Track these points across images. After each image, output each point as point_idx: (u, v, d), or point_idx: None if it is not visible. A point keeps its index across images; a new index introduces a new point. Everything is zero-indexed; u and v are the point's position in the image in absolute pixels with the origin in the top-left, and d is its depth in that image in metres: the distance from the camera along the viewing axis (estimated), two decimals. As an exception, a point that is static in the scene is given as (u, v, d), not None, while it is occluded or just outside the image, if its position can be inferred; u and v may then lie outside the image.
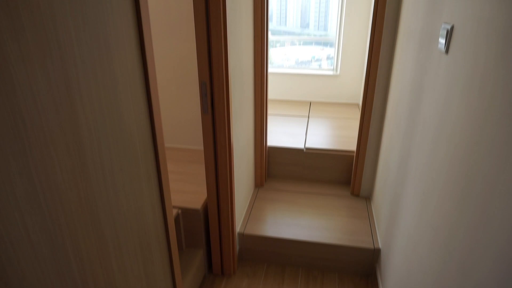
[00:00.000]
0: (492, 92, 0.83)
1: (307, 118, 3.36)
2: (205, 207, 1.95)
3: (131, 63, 0.81)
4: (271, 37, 4.07)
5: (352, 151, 2.64)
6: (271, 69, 4.01)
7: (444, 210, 1.09)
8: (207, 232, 2.02)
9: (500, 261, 0.74)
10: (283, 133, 2.96)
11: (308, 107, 3.75)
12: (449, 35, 1.13)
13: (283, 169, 2.79)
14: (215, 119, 1.65)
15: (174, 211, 1.87)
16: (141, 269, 0.96)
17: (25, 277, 0.55)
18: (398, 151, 1.77)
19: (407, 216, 1.52)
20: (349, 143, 2.77)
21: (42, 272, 0.59)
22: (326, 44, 3.93)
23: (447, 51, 1.15)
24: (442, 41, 1.17)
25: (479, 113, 0.89)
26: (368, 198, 2.54)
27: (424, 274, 1.23)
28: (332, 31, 3.87)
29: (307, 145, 2.71)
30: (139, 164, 0.89)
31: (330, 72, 3.89)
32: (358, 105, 3.82)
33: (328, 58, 3.98)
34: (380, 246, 2.04)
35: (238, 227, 2.18)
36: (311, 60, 4.03)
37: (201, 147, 2.57)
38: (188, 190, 2.04)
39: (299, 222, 2.25)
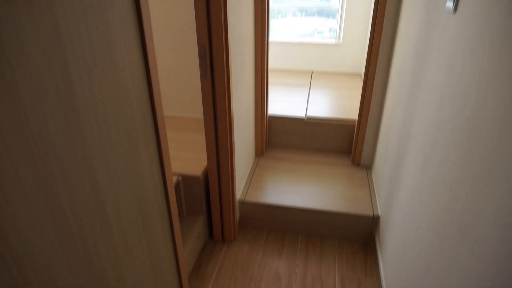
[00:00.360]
0: (501, 52, 0.80)
1: (308, 88, 3.31)
2: (206, 174, 1.95)
3: (126, 19, 0.78)
4: (272, 5, 3.95)
5: (354, 120, 2.62)
6: (272, 38, 3.92)
7: (446, 173, 1.08)
8: (207, 199, 2.03)
9: (500, 220, 0.74)
10: (284, 102, 2.92)
11: (310, 76, 3.69)
12: (458, -8, 1.08)
13: (284, 138, 2.78)
14: (215, 84, 1.62)
15: (174, 178, 1.87)
16: (142, 234, 0.96)
17: (20, 230, 0.55)
18: (401, 117, 1.75)
19: (407, 182, 1.52)
20: (351, 112, 2.74)
21: (38, 224, 0.58)
22: (328, 15, 3.82)
23: (455, 9, 1.10)
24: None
25: (487, 73, 0.86)
26: (368, 167, 2.54)
27: (423, 237, 1.23)
28: (335, 0, 3.76)
29: (308, 114, 2.69)
30: (137, 126, 0.87)
31: (333, 41, 3.80)
32: (360, 74, 3.76)
33: (330, 30, 3.87)
34: (379, 213, 2.05)
35: (238, 195, 2.19)
36: (313, 33, 3.93)
37: (201, 116, 2.54)
38: (188, 157, 2.03)
39: (300, 190, 2.26)
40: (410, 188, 1.46)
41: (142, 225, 0.96)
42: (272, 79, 3.58)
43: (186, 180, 1.91)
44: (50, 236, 0.61)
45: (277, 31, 4.02)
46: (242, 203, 2.17)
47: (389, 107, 2.09)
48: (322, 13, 3.85)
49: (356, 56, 3.78)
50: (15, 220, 0.53)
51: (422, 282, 1.20)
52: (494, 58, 0.84)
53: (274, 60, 3.96)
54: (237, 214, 2.18)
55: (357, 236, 2.15)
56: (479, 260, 0.82)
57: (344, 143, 2.70)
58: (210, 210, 2.09)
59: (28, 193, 0.55)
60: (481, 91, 0.89)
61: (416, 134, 1.45)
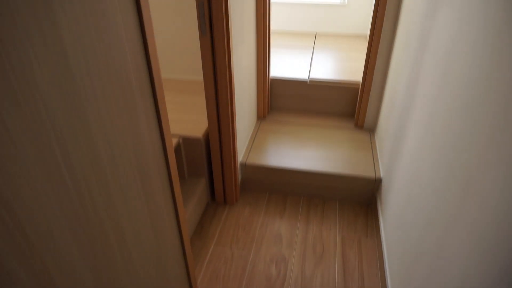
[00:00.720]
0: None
1: (312, 50, 3.22)
2: (207, 136, 1.93)
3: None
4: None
5: (358, 83, 2.56)
6: (274, -2, 3.77)
7: (451, 130, 1.05)
8: (209, 161, 2.02)
9: (507, 176, 0.71)
10: (287, 65, 2.85)
11: (314, 38, 3.58)
12: None
13: (286, 101, 2.73)
14: (214, 41, 1.57)
15: (175, 140, 1.85)
16: (141, 192, 0.95)
17: (11, 177, 0.53)
18: (406, 78, 1.70)
19: (411, 143, 1.49)
20: (355, 75, 2.68)
21: (28, 172, 0.56)
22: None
23: (469, -45, 1.03)
24: None
25: (498, 28, 0.81)
26: (371, 130, 2.51)
27: (425, 196, 1.22)
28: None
29: (311, 77, 2.63)
30: (132, 82, 0.84)
31: (338, 2, 3.66)
32: (366, 36, 3.64)
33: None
34: (381, 175, 2.04)
35: (240, 158, 2.18)
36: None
37: (202, 78, 2.49)
38: (189, 119, 2.01)
39: (302, 153, 2.24)
40: (414, 148, 1.44)
41: (141, 183, 0.94)
42: (274, 41, 3.48)
43: (187, 142, 1.90)
44: (43, 185, 0.59)
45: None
46: (244, 165, 2.16)
47: (395, 69, 2.03)
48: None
49: (362, 18, 3.65)
50: (5, 169, 0.52)
51: (423, 240, 1.20)
52: (508, 10, 0.78)
53: (276, 22, 3.83)
54: (239, 177, 2.18)
55: (358, 199, 2.15)
56: (483, 214, 0.80)
57: (348, 106, 2.66)
58: (211, 172, 2.08)
59: (16, 141, 0.53)
60: (490, 50, 0.84)
61: (422, 94, 1.41)
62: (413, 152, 1.44)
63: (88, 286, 0.75)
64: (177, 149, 1.88)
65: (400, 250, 1.49)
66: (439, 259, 1.04)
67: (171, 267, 1.24)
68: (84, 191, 0.70)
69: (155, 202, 1.05)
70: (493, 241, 0.75)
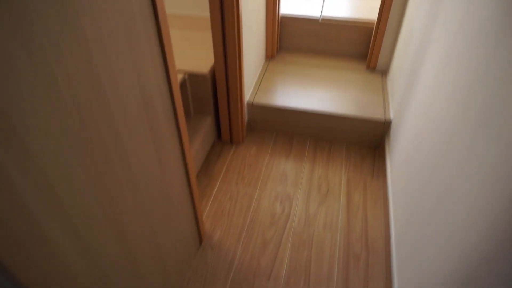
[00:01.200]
0: None
1: (325, -13, 3.03)
2: (213, 72, 1.87)
3: None
4: None
5: (372, 22, 2.43)
6: None
7: (468, 69, 0.99)
8: (215, 99, 1.98)
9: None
10: (298, 1, 2.70)
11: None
12: None
13: (296, 41, 2.62)
14: (221, -33, 1.46)
15: (180, 76, 1.80)
16: (146, 123, 0.92)
17: (8, 89, 0.50)
18: (425, 13, 1.59)
19: (424, 84, 1.43)
20: (370, 13, 2.53)
21: (26, 85, 0.53)
22: None
23: None
24: None
25: None
26: (384, 72, 2.42)
27: (435, 137, 1.19)
28: None
29: (324, 14, 2.49)
30: (135, 14, 0.78)
31: None
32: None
33: None
34: (391, 118, 1.99)
35: (247, 97, 2.13)
36: None
37: (207, 14, 2.38)
38: (195, 55, 1.94)
39: (310, 93, 2.18)
40: (427, 89, 1.38)
41: (145, 113, 0.92)
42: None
43: (193, 79, 1.84)
44: (40, 99, 0.56)
45: None
46: (251, 105, 2.12)
47: (412, 7, 1.90)
48: None
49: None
50: (6, 87, 0.48)
51: (430, 181, 1.19)
52: None
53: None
54: (245, 116, 2.15)
55: (366, 141, 2.13)
56: (496, 152, 0.77)
57: (360, 47, 2.54)
58: (218, 110, 2.05)
59: (14, 55, 0.49)
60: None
61: (439, 33, 1.32)
62: (426, 93, 1.39)
63: (91, 202, 0.75)
64: (183, 85, 1.84)
65: (406, 192, 1.48)
66: (445, 199, 1.03)
67: (177, 201, 1.25)
68: (85, 111, 0.67)
69: (160, 134, 1.03)
70: (505, 176, 0.72)
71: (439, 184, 1.10)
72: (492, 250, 0.73)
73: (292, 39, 2.62)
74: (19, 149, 0.54)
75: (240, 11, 1.60)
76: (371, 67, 2.43)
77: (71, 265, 0.70)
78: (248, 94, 2.15)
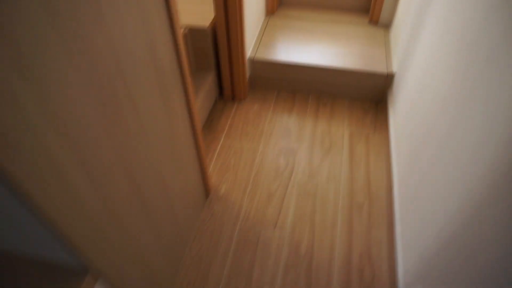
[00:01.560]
0: None
1: None
2: (214, 27, 1.84)
3: None
4: None
5: (375, -27, 2.35)
6: None
7: (473, 16, 0.97)
8: (216, 55, 1.96)
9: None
10: (298, -46, 2.60)
11: None
12: None
13: (297, -5, 2.55)
14: None
15: (180, 31, 1.76)
16: (154, 80, 0.92)
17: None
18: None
19: (428, 37, 1.40)
20: (373, -36, 2.45)
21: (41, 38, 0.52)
22: None
23: None
24: None
25: None
26: (386, 26, 2.38)
27: (439, 87, 1.19)
28: None
29: (325, -34, 2.41)
30: None
31: None
32: None
33: None
34: (394, 71, 1.98)
35: (248, 53, 2.10)
36: None
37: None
38: (193, 9, 1.89)
39: (312, 48, 2.15)
40: (430, 42, 1.36)
41: (153, 64, 0.91)
42: None
43: (193, 33, 1.81)
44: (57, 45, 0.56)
45: None
46: (252, 61, 2.10)
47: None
48: None
49: None
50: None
51: (431, 133, 1.20)
52: None
53: None
54: (247, 73, 2.13)
55: (369, 95, 2.13)
56: (496, 99, 0.77)
57: (362, 0, 2.48)
58: (219, 67, 2.03)
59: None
60: None
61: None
62: (429, 46, 1.37)
63: (102, 143, 0.76)
64: (184, 40, 1.81)
65: (410, 141, 1.50)
66: (447, 146, 1.04)
67: (184, 151, 1.26)
68: (96, 55, 0.67)
69: (166, 83, 1.03)
70: (504, 120, 0.73)
71: (441, 130, 1.11)
72: (492, 192, 0.75)
73: (292, -6, 2.54)
74: (35, 83, 0.54)
75: (240, -41, 1.55)
76: (374, 21, 2.38)
77: (86, 201, 0.73)
78: (249, 51, 2.12)
